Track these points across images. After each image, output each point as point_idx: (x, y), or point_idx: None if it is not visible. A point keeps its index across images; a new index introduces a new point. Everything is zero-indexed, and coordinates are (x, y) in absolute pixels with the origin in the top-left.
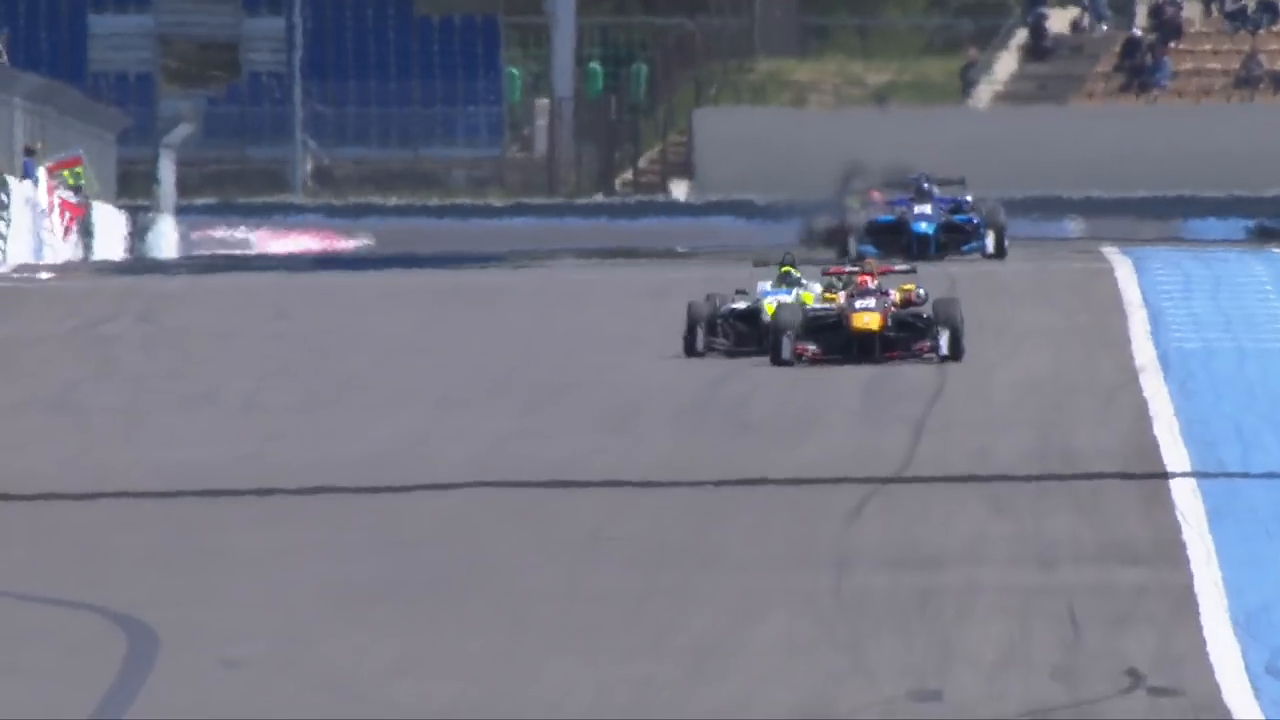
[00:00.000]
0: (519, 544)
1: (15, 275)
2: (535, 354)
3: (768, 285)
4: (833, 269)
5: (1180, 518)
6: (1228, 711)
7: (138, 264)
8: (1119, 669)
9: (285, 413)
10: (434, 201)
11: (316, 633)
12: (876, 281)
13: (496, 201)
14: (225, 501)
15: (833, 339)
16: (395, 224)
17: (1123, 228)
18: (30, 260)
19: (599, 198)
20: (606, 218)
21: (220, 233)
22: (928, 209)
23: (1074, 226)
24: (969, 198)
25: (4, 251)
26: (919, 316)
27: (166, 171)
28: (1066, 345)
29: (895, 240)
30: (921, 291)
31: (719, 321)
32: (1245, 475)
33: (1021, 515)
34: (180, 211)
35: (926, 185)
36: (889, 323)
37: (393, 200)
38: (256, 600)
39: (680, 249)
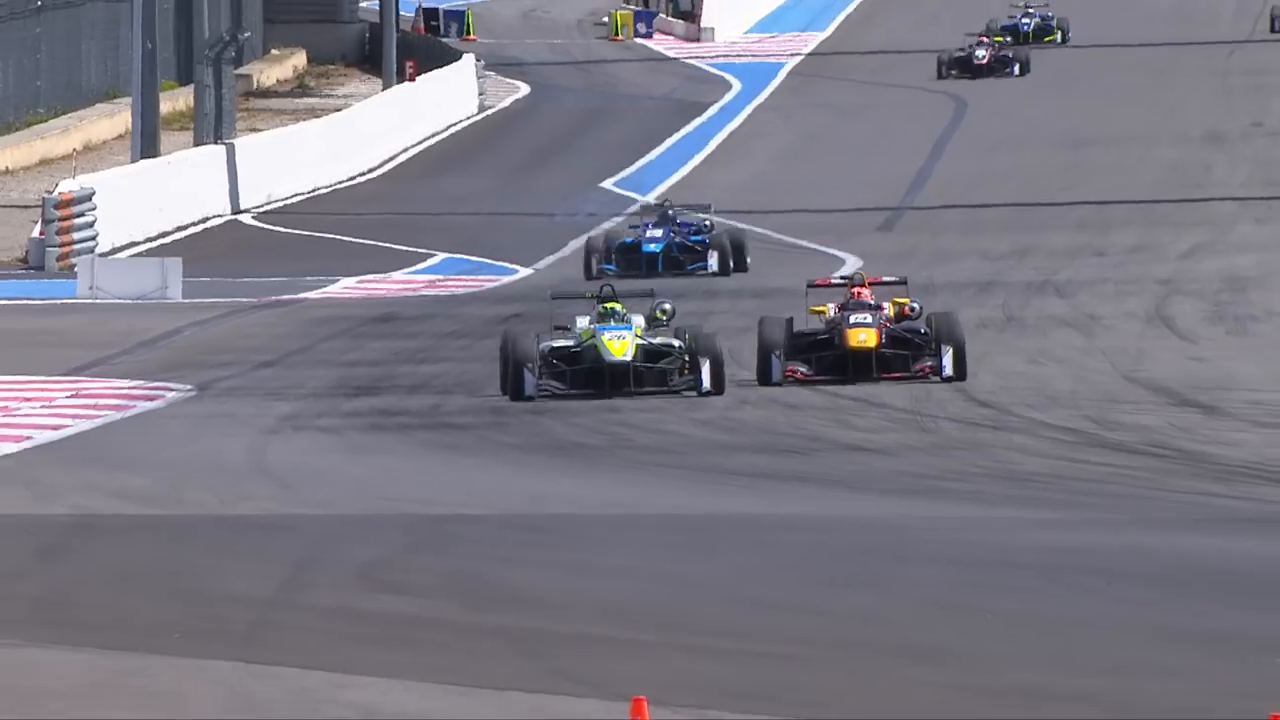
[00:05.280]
0: (1148, 116)
1: None
2: None
3: (585, 320)
4: (819, 281)
5: None
6: None
7: None
8: None
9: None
10: None
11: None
12: (872, 294)
13: None
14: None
15: (825, 358)
16: None
17: None
18: None
19: None
20: None
21: None
22: (659, 233)
23: None
24: (708, 220)
25: None
26: (916, 332)
27: None
28: None
29: (633, 259)
30: (916, 305)
31: (541, 361)
32: None
33: None
34: None
35: (671, 211)
36: (884, 339)
37: None
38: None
39: None
